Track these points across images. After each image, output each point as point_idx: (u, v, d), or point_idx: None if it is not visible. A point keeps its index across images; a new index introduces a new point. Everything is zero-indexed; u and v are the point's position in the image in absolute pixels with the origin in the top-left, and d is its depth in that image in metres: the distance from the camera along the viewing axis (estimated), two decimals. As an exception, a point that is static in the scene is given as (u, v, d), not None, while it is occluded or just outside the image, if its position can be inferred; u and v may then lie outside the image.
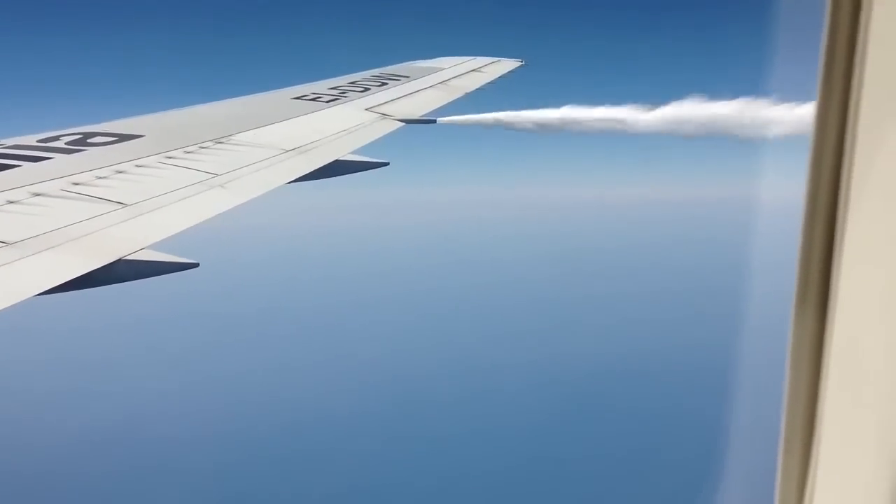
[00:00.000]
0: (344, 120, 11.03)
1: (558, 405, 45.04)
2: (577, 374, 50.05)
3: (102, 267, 5.76)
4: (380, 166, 9.82)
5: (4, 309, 4.83)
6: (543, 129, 11.14)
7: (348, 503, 35.61)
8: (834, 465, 1.74)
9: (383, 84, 13.38)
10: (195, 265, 6.32)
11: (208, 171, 8.13)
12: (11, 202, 6.53)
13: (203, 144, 9.11)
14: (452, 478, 36.74)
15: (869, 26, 1.54)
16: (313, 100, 11.97)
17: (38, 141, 8.64)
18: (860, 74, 1.58)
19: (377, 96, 12.50)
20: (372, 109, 11.65)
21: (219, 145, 9.19)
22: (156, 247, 6.26)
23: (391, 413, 44.26)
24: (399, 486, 36.24)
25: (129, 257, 5.99)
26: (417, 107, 12.26)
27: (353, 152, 9.79)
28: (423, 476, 37.06)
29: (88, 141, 8.80)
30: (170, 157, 8.44)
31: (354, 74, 14.04)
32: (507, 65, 16.09)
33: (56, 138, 8.82)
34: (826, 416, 1.73)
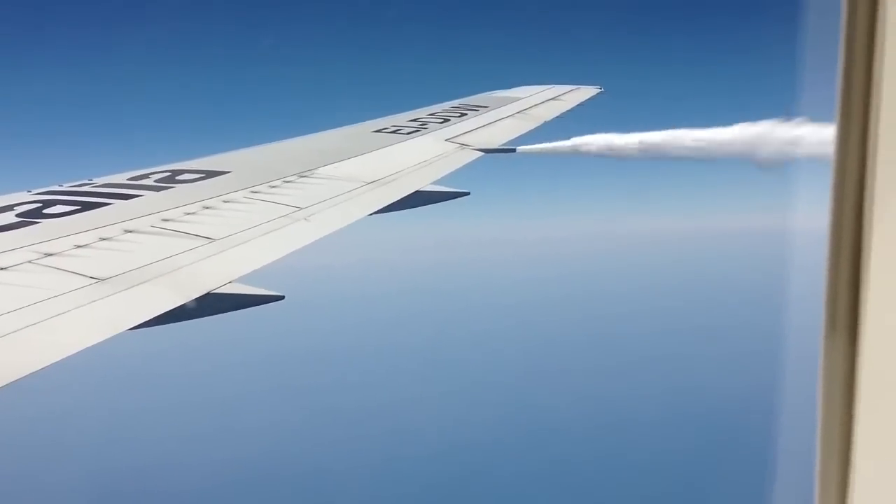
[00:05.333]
0: (424, 151, 11.10)
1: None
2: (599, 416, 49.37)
3: (191, 301, 5.87)
4: (460, 196, 9.83)
5: (98, 343, 4.95)
6: (623, 156, 11.00)
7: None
8: (871, 490, 1.70)
9: (462, 115, 13.44)
10: (281, 297, 6.39)
11: (292, 205, 8.26)
12: (104, 239, 6.71)
13: (287, 178, 9.26)
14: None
15: (885, 41, 1.51)
16: (394, 132, 12.08)
17: (129, 179, 8.90)
18: (878, 95, 1.54)
19: (456, 127, 12.55)
20: (451, 140, 11.70)
21: (302, 179, 9.33)
22: (242, 280, 6.36)
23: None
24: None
25: (217, 290, 6.10)
26: (496, 136, 12.27)
27: (434, 182, 9.83)
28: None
29: (177, 178, 9.03)
30: (255, 192, 8.60)
31: (434, 106, 14.14)
32: (586, 92, 16.00)
33: (146, 176, 9.07)
34: (860, 445, 1.70)
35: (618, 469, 41.02)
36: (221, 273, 6.38)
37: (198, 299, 5.91)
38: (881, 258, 1.59)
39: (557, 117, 14.18)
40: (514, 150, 11.73)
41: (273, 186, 8.89)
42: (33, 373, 4.48)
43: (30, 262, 6.01)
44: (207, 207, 7.93)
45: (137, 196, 8.18)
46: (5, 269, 5.81)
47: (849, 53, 1.60)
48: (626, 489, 38.39)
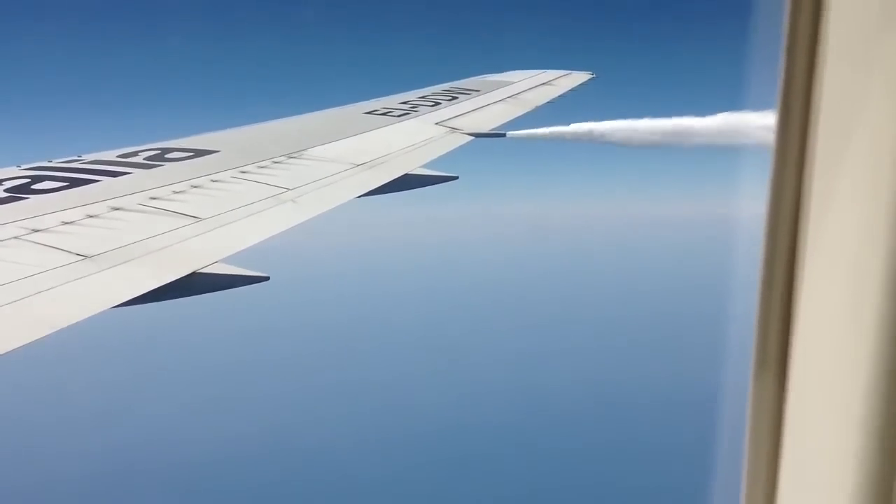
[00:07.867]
0: (414, 134, 11.11)
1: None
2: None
3: (176, 280, 5.90)
4: (449, 180, 9.85)
5: (82, 320, 4.98)
6: (613, 142, 11.05)
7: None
8: None
9: (453, 98, 13.43)
10: (266, 278, 6.42)
11: (280, 186, 8.27)
12: (91, 216, 6.73)
13: (276, 159, 9.26)
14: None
15: (828, 33, 1.52)
16: (384, 114, 12.08)
17: (118, 156, 8.89)
18: (820, 85, 1.55)
19: (447, 110, 12.56)
20: (442, 123, 11.70)
21: (291, 160, 9.33)
22: (228, 260, 6.38)
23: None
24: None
25: (203, 270, 6.12)
26: (487, 121, 12.28)
27: (423, 166, 9.85)
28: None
29: (166, 156, 9.03)
30: (244, 172, 8.61)
31: (425, 89, 14.13)
32: (578, 78, 16.01)
33: (135, 154, 9.07)
34: (785, 480, 1.71)
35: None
36: (207, 253, 6.41)
37: (183, 279, 5.93)
38: (813, 286, 1.58)
39: (548, 102, 14.20)
40: (503, 135, 11.75)
41: (262, 167, 8.90)
42: (17, 349, 4.50)
43: (16, 237, 6.02)
44: (196, 186, 7.94)
45: (126, 174, 8.18)
46: (-8, 244, 5.82)
47: (791, 41, 1.60)
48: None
